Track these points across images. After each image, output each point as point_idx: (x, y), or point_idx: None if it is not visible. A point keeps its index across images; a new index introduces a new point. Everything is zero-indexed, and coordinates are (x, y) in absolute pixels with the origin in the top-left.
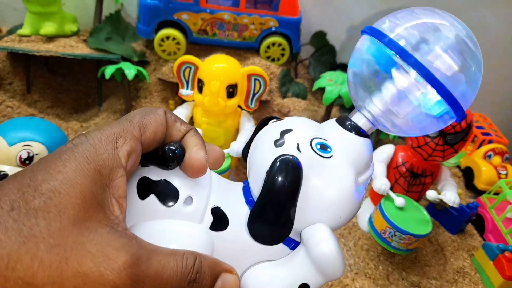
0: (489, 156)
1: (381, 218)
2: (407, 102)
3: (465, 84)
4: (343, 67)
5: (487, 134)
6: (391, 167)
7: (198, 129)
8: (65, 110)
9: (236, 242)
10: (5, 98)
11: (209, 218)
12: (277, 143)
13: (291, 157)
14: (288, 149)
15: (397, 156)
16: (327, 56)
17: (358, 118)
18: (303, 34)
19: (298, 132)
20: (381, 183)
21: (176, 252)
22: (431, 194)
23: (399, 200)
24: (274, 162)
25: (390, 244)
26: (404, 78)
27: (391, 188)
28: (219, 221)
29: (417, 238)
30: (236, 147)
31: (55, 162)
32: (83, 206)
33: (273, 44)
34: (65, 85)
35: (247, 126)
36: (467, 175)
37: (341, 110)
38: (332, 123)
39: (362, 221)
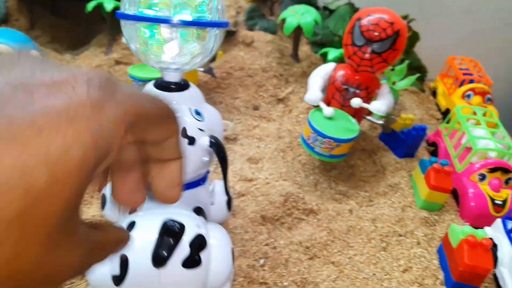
0: (468, 96)
1: (307, 126)
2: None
3: None
4: (318, 9)
5: (469, 74)
6: (330, 84)
7: None
8: (62, 46)
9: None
10: None
11: None
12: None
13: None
14: (195, 125)
15: (336, 72)
16: None
17: (170, 77)
18: None
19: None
20: (311, 94)
21: None
22: (355, 101)
23: (328, 110)
24: (213, 144)
25: (313, 149)
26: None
27: (329, 104)
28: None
29: (337, 142)
30: None
31: None
32: None
33: None
34: (66, 26)
35: None
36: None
37: (313, 47)
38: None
39: None
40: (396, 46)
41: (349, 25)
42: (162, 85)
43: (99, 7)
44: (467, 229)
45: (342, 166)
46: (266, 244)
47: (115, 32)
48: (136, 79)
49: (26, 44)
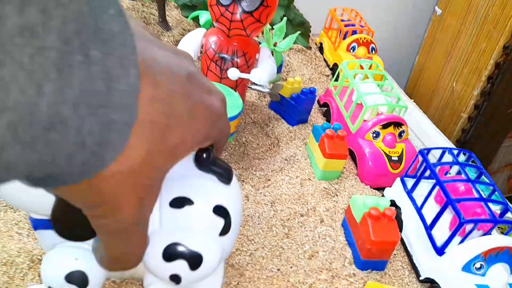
0: (353, 48)
1: None
2: None
3: None
4: None
5: (351, 25)
6: (203, 53)
7: None
8: None
9: None
10: None
11: None
12: None
13: None
14: None
15: (208, 39)
16: None
17: None
18: None
19: None
20: None
21: None
22: (232, 72)
23: None
24: None
25: None
26: None
27: None
28: None
29: None
30: None
31: None
32: None
33: None
34: None
35: None
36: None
37: (183, 11)
38: None
39: None
40: (268, 2)
41: None
42: None
43: None
44: (369, 200)
45: (233, 146)
46: None
47: None
48: None
49: None
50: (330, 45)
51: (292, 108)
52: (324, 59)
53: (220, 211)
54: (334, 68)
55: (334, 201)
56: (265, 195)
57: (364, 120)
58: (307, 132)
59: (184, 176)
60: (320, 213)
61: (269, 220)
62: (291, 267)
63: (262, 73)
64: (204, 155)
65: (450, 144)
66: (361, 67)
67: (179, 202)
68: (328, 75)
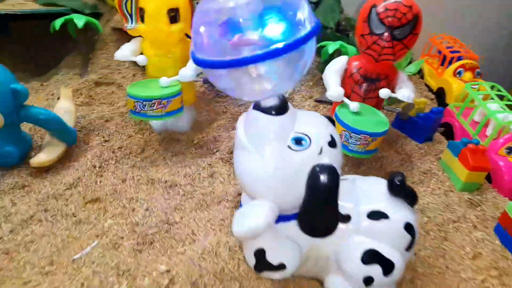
0: (459, 73)
1: (336, 124)
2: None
3: None
4: None
5: (456, 52)
6: (347, 77)
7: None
8: (26, 74)
9: None
10: None
11: None
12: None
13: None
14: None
15: (351, 65)
16: None
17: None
18: None
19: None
20: (334, 91)
21: None
22: (383, 92)
23: (354, 105)
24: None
25: (347, 148)
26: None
27: (349, 99)
28: None
29: (373, 137)
30: (184, 73)
31: None
32: None
33: None
34: (29, 53)
35: None
36: (440, 97)
37: None
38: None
39: None
40: (416, 30)
41: (362, 14)
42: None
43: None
44: None
45: (369, 161)
46: None
47: (89, 50)
48: (137, 98)
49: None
50: (431, 70)
51: (420, 126)
52: (425, 84)
53: (409, 228)
54: (438, 92)
55: (481, 210)
56: None
57: (494, 138)
58: (437, 148)
59: (378, 193)
60: (471, 220)
61: (424, 225)
62: (459, 265)
63: (410, 92)
64: (398, 182)
65: None
66: (482, 89)
67: (376, 215)
68: (432, 99)
